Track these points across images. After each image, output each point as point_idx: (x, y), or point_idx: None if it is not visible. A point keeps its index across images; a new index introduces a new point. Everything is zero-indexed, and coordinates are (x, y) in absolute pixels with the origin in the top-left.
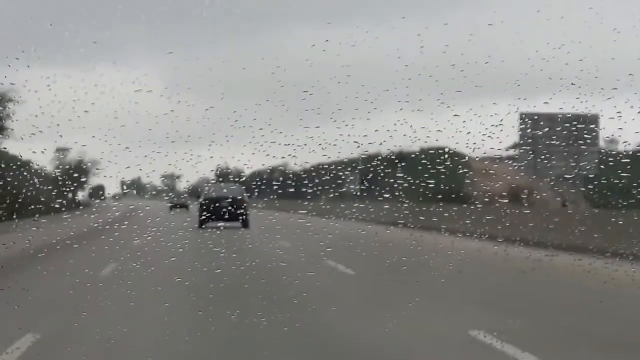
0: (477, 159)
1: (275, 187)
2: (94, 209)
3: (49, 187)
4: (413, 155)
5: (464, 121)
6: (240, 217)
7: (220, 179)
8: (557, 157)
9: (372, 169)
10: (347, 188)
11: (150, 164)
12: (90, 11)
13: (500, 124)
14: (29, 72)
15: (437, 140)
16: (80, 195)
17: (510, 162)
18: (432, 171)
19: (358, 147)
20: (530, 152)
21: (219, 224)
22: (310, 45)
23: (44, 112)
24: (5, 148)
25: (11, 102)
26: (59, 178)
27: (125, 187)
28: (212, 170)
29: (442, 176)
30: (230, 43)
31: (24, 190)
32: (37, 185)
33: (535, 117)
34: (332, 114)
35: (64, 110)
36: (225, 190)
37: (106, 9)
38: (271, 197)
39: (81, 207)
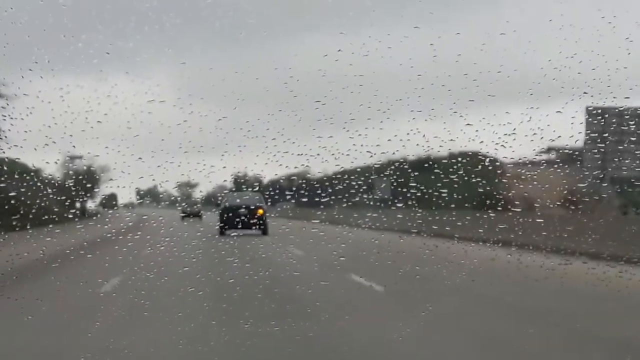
0: (499, 163)
1: (289, 196)
2: (107, 219)
3: (63, 197)
4: (427, 164)
5: (477, 130)
6: (260, 225)
7: (233, 189)
8: (627, 156)
9: (384, 177)
10: (377, 195)
11: (164, 174)
12: (103, 22)
13: (514, 133)
14: (42, 82)
15: (449, 149)
16: (92, 205)
17: (545, 166)
18: (445, 179)
19: (371, 156)
20: (597, 150)
21: (239, 232)
22: (323, 55)
23: (57, 123)
24: (18, 158)
25: None
26: (72, 188)
27: (139, 196)
28: (225, 181)
29: (456, 185)
30: (244, 53)
31: (37, 201)
32: (50, 195)
33: (603, 112)
34: (345, 124)
35: (77, 121)
36: (244, 199)
37: (119, 19)
38: (285, 206)
39: (94, 217)
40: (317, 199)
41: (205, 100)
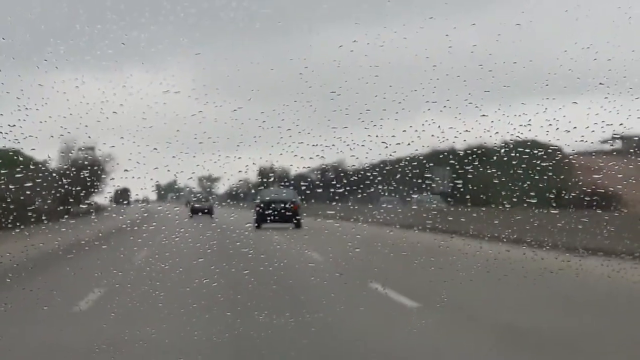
0: (562, 152)
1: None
2: (122, 211)
3: (77, 188)
4: (480, 155)
5: (492, 121)
6: (294, 219)
7: (260, 179)
8: None
9: (400, 169)
10: (435, 188)
11: (179, 164)
12: (118, 12)
13: (529, 124)
14: (58, 73)
15: (464, 140)
16: (105, 198)
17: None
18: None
19: (386, 147)
20: None
21: (274, 225)
22: (338, 45)
23: (72, 114)
24: (33, 149)
25: None
26: (87, 179)
27: (160, 190)
28: (240, 171)
29: (515, 178)
30: (258, 44)
31: (52, 192)
32: (66, 187)
33: None
34: (360, 115)
35: (92, 112)
36: (279, 194)
37: (134, 10)
38: (312, 200)
39: (108, 210)
40: (358, 195)
41: (220, 91)
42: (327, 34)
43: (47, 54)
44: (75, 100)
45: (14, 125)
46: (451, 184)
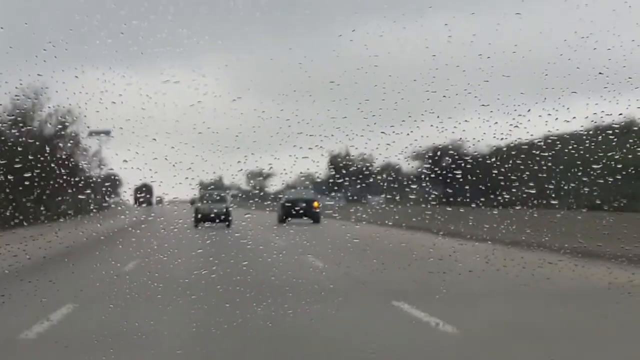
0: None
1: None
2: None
3: (75, 179)
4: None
5: (492, 111)
6: (314, 215)
7: (332, 170)
8: None
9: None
10: None
11: (177, 155)
12: (117, 2)
13: (528, 113)
14: (57, 63)
15: (464, 130)
16: (119, 197)
17: None
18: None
19: (383, 137)
20: None
21: (296, 220)
22: (338, 35)
23: (71, 103)
24: (31, 140)
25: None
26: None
27: (203, 189)
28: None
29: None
30: (258, 34)
31: (51, 183)
32: (64, 178)
33: None
34: (359, 104)
35: (91, 102)
36: (302, 194)
37: None
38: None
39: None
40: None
41: (220, 81)
42: (326, 24)
43: (46, 43)
44: (74, 90)
45: (12, 116)
46: None
